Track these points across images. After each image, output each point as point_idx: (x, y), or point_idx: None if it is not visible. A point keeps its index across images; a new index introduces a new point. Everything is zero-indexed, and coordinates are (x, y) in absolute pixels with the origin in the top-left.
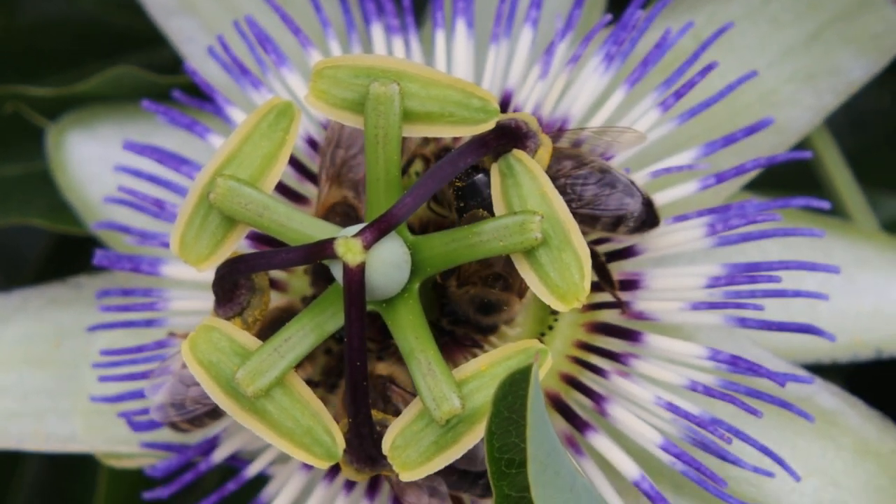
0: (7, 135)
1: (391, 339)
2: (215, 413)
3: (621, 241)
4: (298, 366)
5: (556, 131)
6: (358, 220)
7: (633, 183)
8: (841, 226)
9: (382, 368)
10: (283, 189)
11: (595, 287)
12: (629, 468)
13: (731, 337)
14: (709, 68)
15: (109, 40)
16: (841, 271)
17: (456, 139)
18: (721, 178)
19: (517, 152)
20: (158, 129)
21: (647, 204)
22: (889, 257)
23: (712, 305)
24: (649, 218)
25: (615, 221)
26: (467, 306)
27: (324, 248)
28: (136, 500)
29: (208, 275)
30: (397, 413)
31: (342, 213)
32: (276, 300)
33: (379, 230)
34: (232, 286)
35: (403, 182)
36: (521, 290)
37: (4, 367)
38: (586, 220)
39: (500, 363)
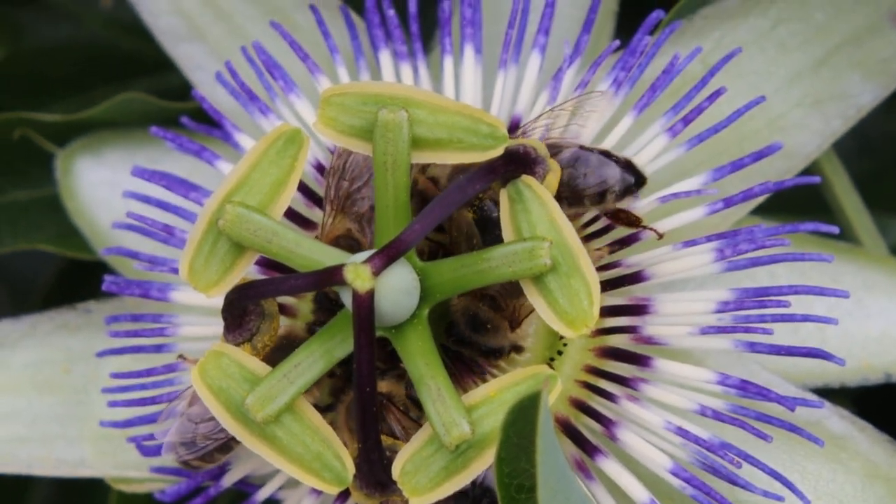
0: (15, 160)
1: (400, 363)
2: (226, 447)
3: (630, 265)
4: (307, 391)
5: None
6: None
7: (606, 153)
8: (850, 250)
9: (382, 386)
10: (291, 214)
11: (604, 312)
12: (639, 493)
13: (741, 361)
14: (717, 94)
15: (118, 65)
16: (850, 296)
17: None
18: (729, 202)
19: (526, 178)
20: (167, 155)
21: (628, 166)
22: None
23: (721, 330)
24: (636, 178)
25: (601, 194)
26: (460, 319)
27: (333, 275)
28: None
29: (218, 300)
30: (391, 434)
31: (346, 247)
32: (285, 326)
33: (388, 256)
34: (241, 312)
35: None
36: (514, 316)
37: (13, 393)
38: (572, 202)
39: (510, 389)
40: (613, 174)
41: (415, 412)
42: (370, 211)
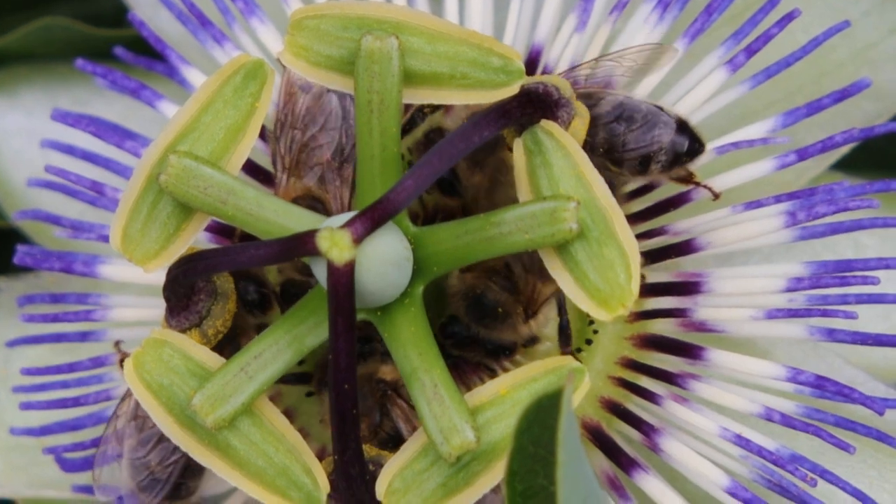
0: None
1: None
2: (195, 470)
3: (678, 232)
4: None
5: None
6: (327, 216)
7: (658, 108)
8: None
9: (387, 372)
10: (251, 168)
11: (646, 290)
12: None
13: (817, 353)
14: (788, 17)
15: None
16: None
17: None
18: (803, 154)
19: (547, 124)
20: (97, 96)
21: (682, 127)
22: None
23: (793, 314)
24: (691, 144)
25: (644, 161)
26: (458, 305)
27: (303, 243)
28: None
29: (159, 276)
30: (395, 434)
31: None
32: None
33: (372, 220)
34: (187, 291)
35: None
36: (532, 299)
37: None
38: (609, 167)
39: (524, 386)
40: (664, 135)
41: None
42: (333, 159)
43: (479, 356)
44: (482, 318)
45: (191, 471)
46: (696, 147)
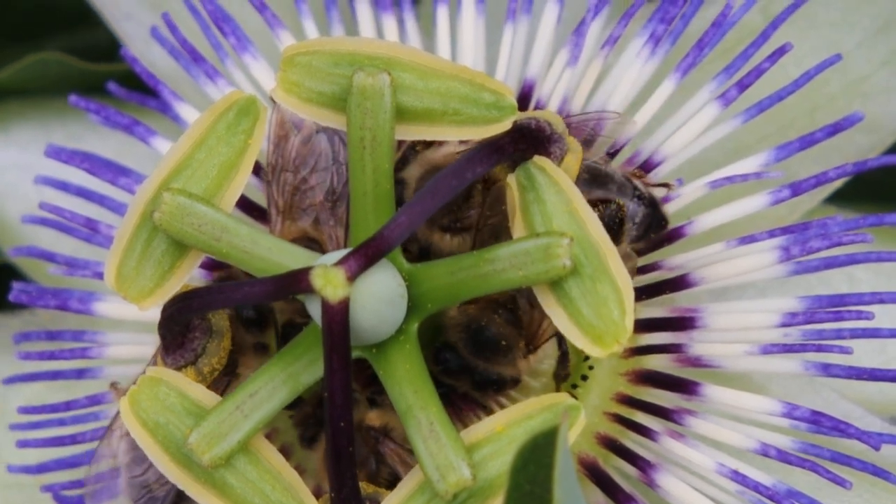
0: None
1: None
2: None
3: (672, 267)
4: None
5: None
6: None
7: (628, 179)
8: None
9: (374, 418)
10: (244, 205)
11: (640, 326)
12: None
13: (812, 388)
14: (781, 51)
15: (27, 18)
16: None
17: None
18: (797, 189)
19: (539, 160)
20: (91, 131)
21: (651, 205)
22: None
23: (788, 349)
24: (654, 221)
25: (611, 230)
26: (457, 336)
27: (298, 280)
28: None
29: (154, 314)
30: (393, 477)
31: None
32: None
33: (366, 257)
34: (183, 328)
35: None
36: (532, 338)
37: None
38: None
39: (520, 423)
40: (632, 209)
41: None
42: (325, 200)
43: (466, 386)
44: (482, 350)
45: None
46: (661, 223)
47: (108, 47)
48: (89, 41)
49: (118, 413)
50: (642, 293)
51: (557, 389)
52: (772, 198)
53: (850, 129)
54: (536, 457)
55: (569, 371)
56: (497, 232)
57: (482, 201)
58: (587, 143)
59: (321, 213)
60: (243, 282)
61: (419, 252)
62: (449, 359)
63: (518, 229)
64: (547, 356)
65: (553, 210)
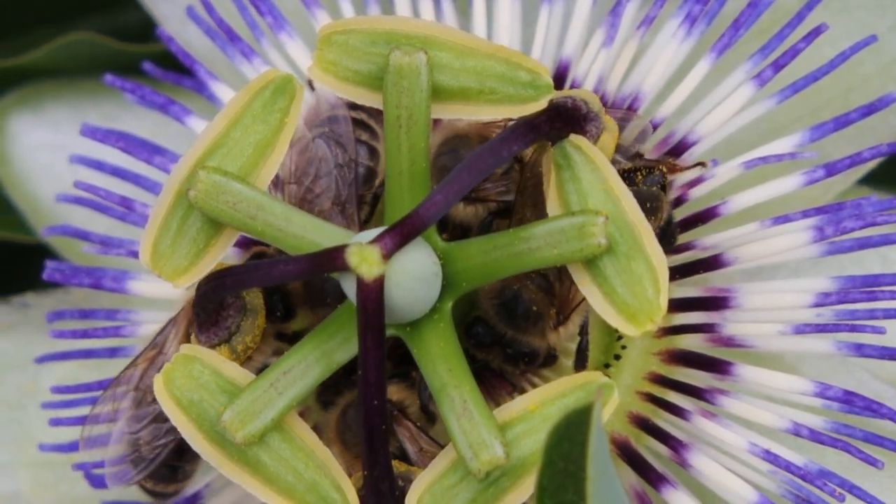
0: None
1: (412, 367)
2: (184, 453)
3: (706, 247)
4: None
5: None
6: None
7: (650, 188)
8: None
9: (392, 392)
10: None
11: (674, 305)
12: None
13: (845, 368)
14: (816, 32)
15: (60, 0)
16: None
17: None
18: (832, 169)
19: (575, 138)
20: (126, 111)
21: (667, 221)
22: None
23: (821, 328)
24: (664, 237)
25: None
26: (490, 304)
27: (333, 258)
28: None
29: (188, 292)
30: (402, 454)
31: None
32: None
33: (401, 235)
34: (217, 306)
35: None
36: (564, 306)
37: None
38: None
39: (554, 401)
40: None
41: (434, 429)
42: (334, 204)
43: (498, 360)
44: (513, 317)
45: (188, 454)
46: (669, 240)
47: (139, 28)
48: (121, 22)
49: (130, 363)
50: (676, 273)
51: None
52: (806, 178)
53: (885, 110)
54: (570, 434)
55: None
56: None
57: (501, 174)
58: (620, 127)
59: (332, 216)
60: (278, 259)
61: None
62: (481, 332)
63: (553, 207)
64: (575, 335)
65: (589, 188)
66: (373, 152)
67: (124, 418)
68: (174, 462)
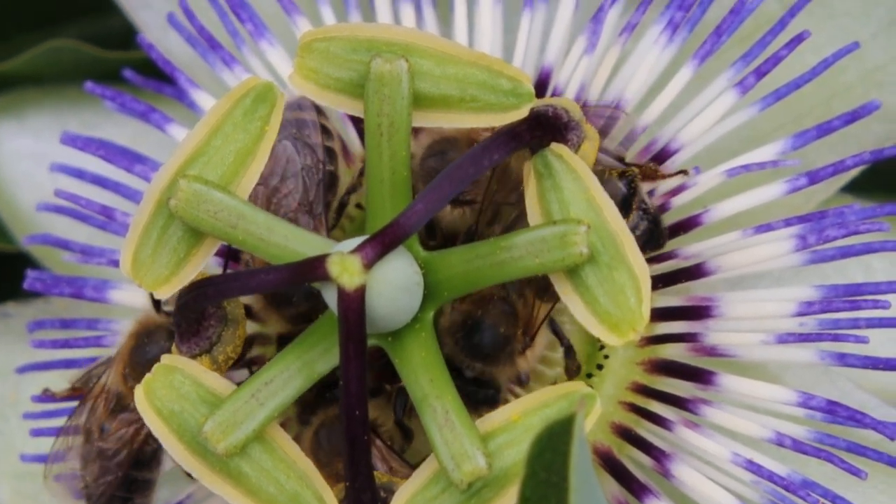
0: None
1: (388, 382)
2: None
3: (688, 256)
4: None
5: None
6: None
7: (636, 191)
8: None
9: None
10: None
11: (656, 315)
12: None
13: (828, 378)
14: (798, 39)
15: (43, 7)
16: None
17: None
18: (814, 177)
19: (557, 147)
20: (106, 118)
21: (654, 221)
22: None
23: (803, 338)
24: (653, 237)
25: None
26: (448, 336)
27: (314, 268)
28: None
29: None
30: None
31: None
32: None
33: (383, 244)
34: (198, 316)
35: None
36: (529, 327)
37: None
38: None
39: (536, 412)
40: (636, 221)
41: (406, 447)
42: (302, 203)
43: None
44: (478, 347)
45: (137, 486)
46: (658, 241)
47: (122, 35)
48: (103, 29)
49: (80, 402)
50: (658, 282)
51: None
52: (788, 186)
53: (868, 118)
54: (553, 444)
55: (579, 364)
56: (499, 210)
57: (488, 178)
58: (603, 133)
59: (300, 216)
60: (259, 269)
61: None
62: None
63: (535, 216)
64: (546, 352)
65: (570, 197)
66: (331, 154)
67: (74, 456)
68: (124, 495)
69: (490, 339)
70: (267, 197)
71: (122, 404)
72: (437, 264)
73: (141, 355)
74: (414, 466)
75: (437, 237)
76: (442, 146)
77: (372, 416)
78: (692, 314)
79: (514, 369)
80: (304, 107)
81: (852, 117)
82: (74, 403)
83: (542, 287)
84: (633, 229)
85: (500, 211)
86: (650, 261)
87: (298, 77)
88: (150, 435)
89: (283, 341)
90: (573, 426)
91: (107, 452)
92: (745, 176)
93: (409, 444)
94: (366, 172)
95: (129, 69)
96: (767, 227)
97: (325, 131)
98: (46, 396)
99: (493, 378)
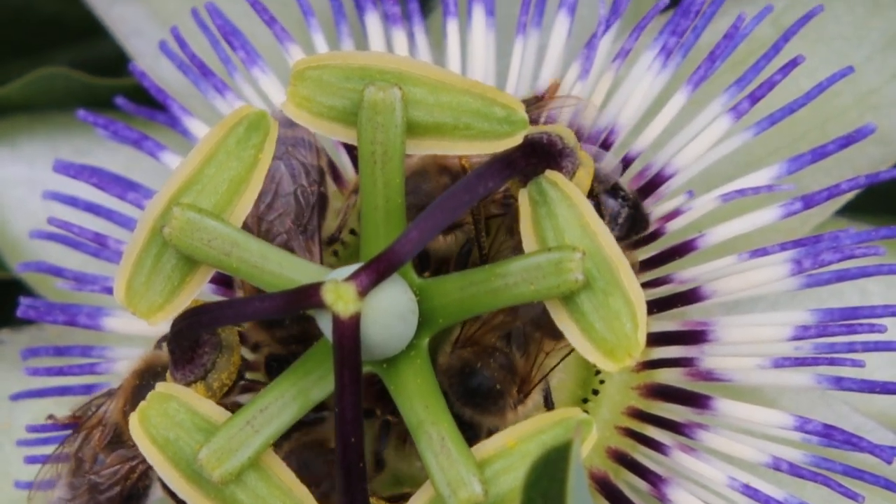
0: None
1: (376, 411)
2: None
3: (684, 281)
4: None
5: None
6: None
7: (610, 177)
8: None
9: None
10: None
11: (652, 339)
12: None
13: (824, 401)
14: (793, 64)
15: (34, 32)
16: None
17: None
18: (809, 202)
19: (551, 174)
20: (98, 145)
21: (634, 205)
22: None
23: (800, 362)
24: (636, 221)
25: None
26: (443, 377)
27: (308, 296)
28: None
29: (163, 329)
30: None
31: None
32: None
33: (377, 272)
34: (193, 344)
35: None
36: (525, 385)
37: None
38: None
39: (532, 438)
40: (616, 208)
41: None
42: (296, 221)
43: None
44: (472, 395)
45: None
46: (642, 224)
47: (114, 61)
48: (96, 55)
49: (74, 431)
50: (654, 307)
51: None
52: (784, 210)
53: (863, 141)
54: (549, 471)
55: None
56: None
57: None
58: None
59: (293, 235)
60: (253, 297)
61: None
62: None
63: (530, 243)
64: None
65: (565, 224)
66: (321, 174)
67: (62, 485)
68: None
69: (485, 390)
70: (257, 216)
71: (119, 439)
72: (432, 291)
73: (144, 394)
74: (387, 499)
75: (430, 265)
76: (415, 181)
77: None
78: (688, 339)
79: (500, 421)
80: (298, 124)
81: (847, 141)
82: (70, 432)
83: (548, 335)
84: (615, 217)
85: (489, 224)
86: (645, 286)
87: (291, 105)
88: (144, 474)
89: (273, 362)
90: (570, 453)
91: (99, 487)
92: (741, 200)
93: (378, 475)
94: (360, 200)
95: (121, 96)
96: (763, 252)
97: (316, 150)
98: (48, 424)
99: (477, 424)
